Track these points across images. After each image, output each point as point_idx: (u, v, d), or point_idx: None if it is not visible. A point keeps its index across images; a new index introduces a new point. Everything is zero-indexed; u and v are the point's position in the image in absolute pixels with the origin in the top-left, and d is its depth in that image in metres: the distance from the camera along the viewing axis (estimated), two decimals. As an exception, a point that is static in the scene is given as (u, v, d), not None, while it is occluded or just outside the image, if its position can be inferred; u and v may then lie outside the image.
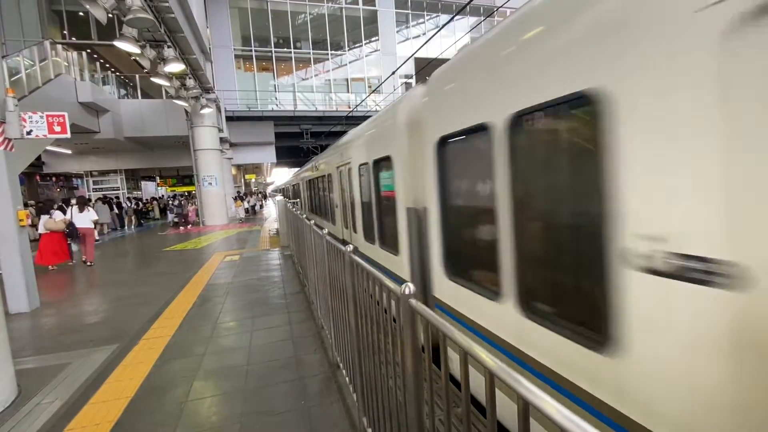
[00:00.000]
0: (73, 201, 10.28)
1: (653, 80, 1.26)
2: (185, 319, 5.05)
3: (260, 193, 38.20)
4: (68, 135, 6.05)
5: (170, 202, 21.66)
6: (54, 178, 22.68)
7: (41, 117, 5.86)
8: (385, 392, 1.86)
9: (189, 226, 17.37)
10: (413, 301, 1.39)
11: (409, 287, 1.42)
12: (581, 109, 1.58)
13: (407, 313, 1.42)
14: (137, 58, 10.44)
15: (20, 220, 5.71)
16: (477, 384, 1.21)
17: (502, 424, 2.15)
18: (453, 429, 1.27)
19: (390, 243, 4.20)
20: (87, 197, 13.88)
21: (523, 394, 0.77)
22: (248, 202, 24.04)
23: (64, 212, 9.35)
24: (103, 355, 4.07)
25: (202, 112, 16.27)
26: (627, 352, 1.41)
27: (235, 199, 21.56)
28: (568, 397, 1.68)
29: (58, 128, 5.96)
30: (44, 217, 9.08)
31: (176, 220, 17.44)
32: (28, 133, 5.79)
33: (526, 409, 0.80)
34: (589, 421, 0.63)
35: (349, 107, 23.44)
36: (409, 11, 27.86)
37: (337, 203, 7.07)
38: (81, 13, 18.37)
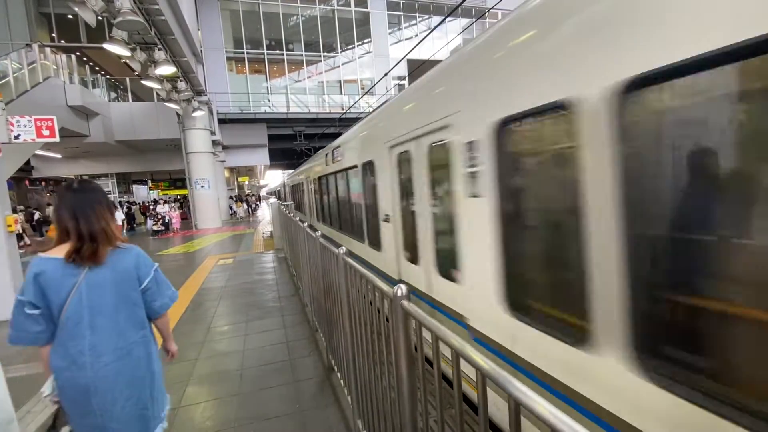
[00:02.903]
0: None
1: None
2: (178, 323, 5.00)
3: (253, 195, 38.45)
4: (57, 139, 5.97)
5: (150, 207, 20.06)
6: (43, 183, 22.40)
7: (29, 121, 5.78)
8: (380, 394, 1.86)
9: (173, 232, 16.91)
10: (406, 303, 1.39)
11: (402, 289, 1.41)
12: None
13: (400, 316, 1.42)
14: (127, 61, 10.35)
15: (8, 226, 5.63)
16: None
17: (496, 424, 2.15)
18: (447, 429, 1.27)
19: None
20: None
21: (515, 395, 0.77)
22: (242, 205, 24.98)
23: None
24: (94, 361, 4.02)
25: (194, 114, 16.15)
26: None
27: (235, 201, 25.84)
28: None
29: (46, 132, 5.88)
30: None
31: (155, 228, 16.85)
32: (16, 137, 5.70)
33: (517, 410, 0.80)
34: (580, 421, 0.63)
35: (342, 109, 23.39)
36: (401, 13, 27.90)
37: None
38: (70, 16, 18.17)
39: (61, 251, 1.64)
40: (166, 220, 16.95)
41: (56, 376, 1.67)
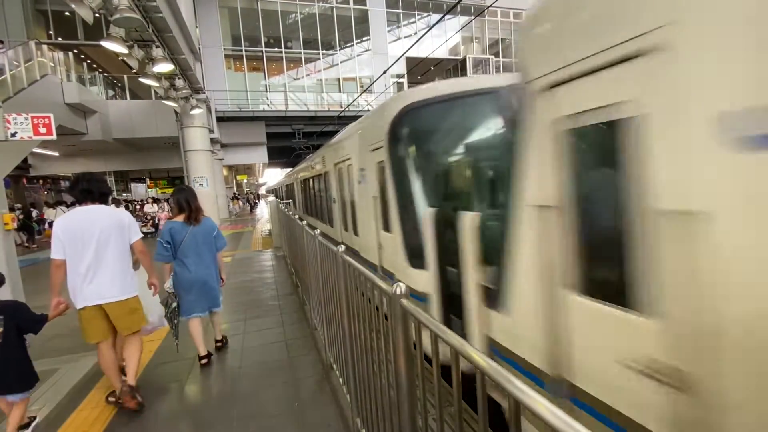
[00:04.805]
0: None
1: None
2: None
3: (252, 194, 38.91)
4: (54, 136, 5.93)
5: (137, 206, 18.66)
6: (41, 181, 22.32)
7: (26, 118, 5.74)
8: (378, 392, 1.85)
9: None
10: (404, 301, 1.38)
11: (401, 287, 1.41)
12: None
13: (399, 314, 1.41)
14: (125, 59, 10.28)
15: (5, 224, 5.60)
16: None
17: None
18: (446, 428, 1.26)
19: None
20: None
21: (515, 394, 0.77)
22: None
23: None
24: (91, 360, 4.00)
25: (192, 112, 16.06)
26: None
27: (233, 199, 29.12)
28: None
29: (43, 130, 5.84)
30: None
31: (144, 229, 16.19)
32: (13, 135, 5.66)
33: (517, 408, 0.79)
34: (581, 421, 0.63)
35: (341, 107, 23.32)
36: (400, 11, 27.80)
37: None
38: (67, 13, 18.06)
39: (179, 218, 3.67)
40: (156, 222, 15.56)
41: (176, 275, 3.63)
